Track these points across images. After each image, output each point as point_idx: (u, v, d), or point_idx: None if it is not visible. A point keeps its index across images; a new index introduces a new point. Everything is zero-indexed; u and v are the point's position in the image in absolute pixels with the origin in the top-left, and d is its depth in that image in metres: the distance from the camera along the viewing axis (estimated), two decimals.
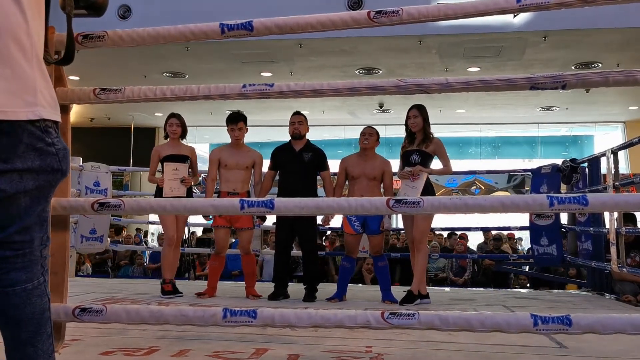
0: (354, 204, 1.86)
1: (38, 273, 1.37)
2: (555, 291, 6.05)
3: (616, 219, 4.50)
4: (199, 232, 10.88)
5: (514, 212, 1.91)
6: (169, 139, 4.70)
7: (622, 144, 4.69)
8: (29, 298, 1.33)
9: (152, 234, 13.03)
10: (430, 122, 4.28)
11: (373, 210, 1.82)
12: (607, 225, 4.65)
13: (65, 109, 1.89)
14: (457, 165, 4.73)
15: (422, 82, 1.84)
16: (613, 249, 4.45)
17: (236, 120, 4.57)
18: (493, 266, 7.48)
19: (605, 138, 14.00)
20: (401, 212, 1.91)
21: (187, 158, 4.63)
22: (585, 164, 5.39)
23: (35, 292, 1.35)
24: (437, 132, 4.49)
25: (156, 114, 13.07)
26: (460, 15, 1.83)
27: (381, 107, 12.04)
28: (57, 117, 1.38)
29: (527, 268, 7.62)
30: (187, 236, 8.13)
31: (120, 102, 1.98)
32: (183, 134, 4.72)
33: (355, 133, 4.56)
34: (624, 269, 4.38)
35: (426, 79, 1.87)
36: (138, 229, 11.77)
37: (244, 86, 1.95)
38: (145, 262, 9.23)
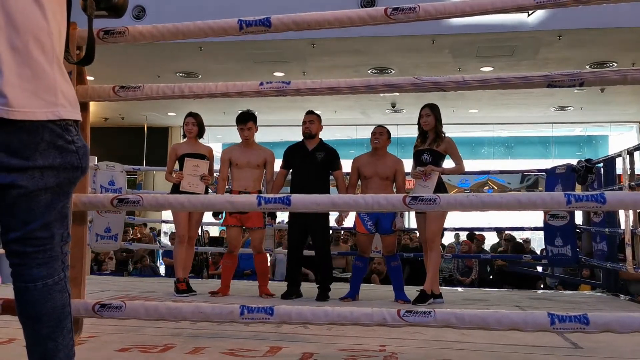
0: (370, 201, 1.86)
1: (59, 269, 1.39)
2: (569, 292, 6.02)
3: (632, 220, 4.46)
4: (213, 231, 10.94)
5: (531, 209, 1.90)
6: (186, 138, 4.73)
7: (638, 145, 4.65)
8: (49, 293, 1.35)
9: (165, 233, 13.11)
10: (443, 121, 4.27)
11: (390, 207, 1.81)
12: (622, 226, 4.61)
13: (84, 107, 1.92)
14: (469, 165, 4.71)
15: (438, 80, 1.84)
16: (628, 250, 4.41)
17: (245, 120, 4.59)
18: (506, 267, 7.45)
19: (619, 138, 13.86)
20: (417, 209, 1.91)
21: (204, 157, 4.66)
22: (601, 165, 5.35)
23: (56, 287, 1.37)
24: (450, 132, 4.48)
25: (169, 114, 13.14)
26: (478, 12, 1.82)
27: (394, 107, 12.02)
28: (77, 115, 1.40)
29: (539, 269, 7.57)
30: (200, 235, 8.19)
31: (139, 99, 2.01)
32: (200, 133, 4.73)
33: (367, 133, 4.57)
34: (639, 270, 4.34)
35: (442, 77, 1.87)
36: (152, 228, 11.85)
37: (261, 84, 1.97)
38: (156, 262, 9.29)
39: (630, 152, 4.55)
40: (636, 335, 1.94)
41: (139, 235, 10.44)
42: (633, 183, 4.48)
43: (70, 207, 1.46)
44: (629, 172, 4.49)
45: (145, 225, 11.07)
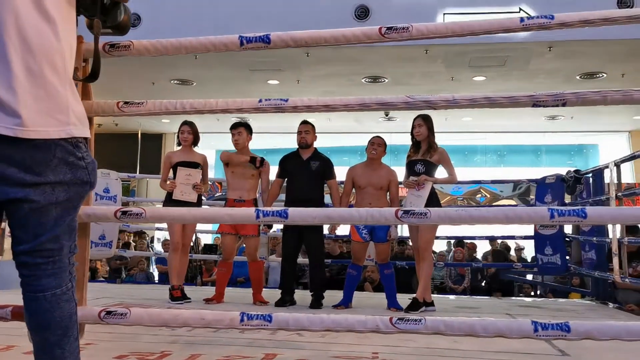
0: (364, 214, 1.95)
1: (66, 279, 1.45)
2: (560, 300, 6.10)
3: (619, 230, 4.55)
4: (206, 238, 10.95)
5: (516, 223, 2.00)
6: (181, 146, 4.78)
7: (624, 157, 4.75)
8: (58, 303, 1.41)
9: (158, 239, 13.11)
10: (436, 130, 4.35)
11: (382, 220, 1.89)
12: (610, 236, 4.70)
13: (89, 122, 1.97)
14: (462, 173, 4.80)
15: (429, 99, 1.93)
16: (615, 260, 4.50)
17: (236, 126, 4.69)
18: (492, 274, 7.59)
19: (610, 147, 14.00)
20: (409, 223, 1.99)
21: (198, 165, 4.71)
22: (590, 175, 5.45)
23: (64, 297, 1.43)
24: (443, 140, 4.56)
25: (163, 121, 13.16)
26: (467, 33, 1.91)
27: (387, 115, 12.12)
28: (87, 133, 1.47)
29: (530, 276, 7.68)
30: (194, 242, 8.21)
31: (143, 115, 2.08)
32: (195, 142, 4.79)
33: (360, 140, 4.65)
34: (626, 280, 4.43)
35: (433, 95, 1.95)
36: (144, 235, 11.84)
37: (260, 101, 2.05)
38: (150, 269, 9.32)
39: (617, 164, 4.65)
40: (623, 344, 2.02)
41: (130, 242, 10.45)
42: (620, 194, 4.58)
43: (77, 220, 1.51)
44: (615, 183, 4.60)
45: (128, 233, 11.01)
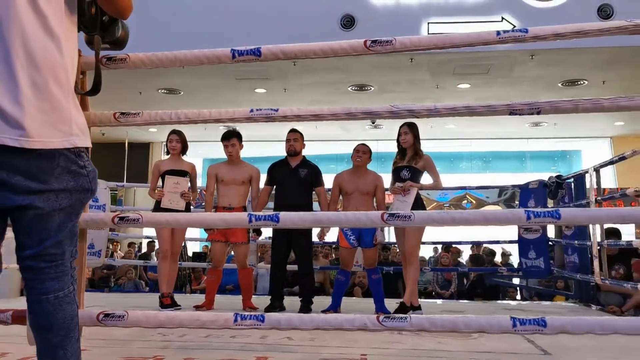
0: (351, 218, 2.05)
1: (68, 282, 1.52)
2: (544, 303, 6.22)
3: (599, 233, 4.67)
4: (194, 247, 10.97)
5: (495, 225, 2.12)
6: (169, 155, 4.84)
7: (603, 162, 4.88)
8: (60, 305, 1.48)
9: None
10: (422, 137, 4.45)
11: (369, 223, 1.98)
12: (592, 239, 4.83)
13: None
14: (448, 179, 4.90)
15: (412, 108, 2.03)
16: (596, 262, 4.62)
17: (228, 137, 4.75)
18: (475, 278, 7.71)
19: (593, 153, 14.23)
20: (395, 225, 2.08)
21: (186, 174, 4.77)
22: (571, 180, 5.59)
23: (66, 299, 1.49)
24: (428, 147, 4.65)
25: (150, 130, 13.16)
26: (448, 46, 2.02)
27: (373, 123, 12.24)
28: (88, 143, 1.55)
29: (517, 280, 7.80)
30: (183, 250, 8.24)
31: (139, 125, 2.15)
32: (183, 150, 4.85)
33: (347, 148, 4.74)
34: (607, 281, 4.54)
35: (416, 105, 2.06)
36: (131, 243, 11.84)
37: (252, 111, 2.14)
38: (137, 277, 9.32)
39: (597, 169, 4.78)
40: (604, 343, 2.12)
41: (118, 251, 10.46)
42: (599, 198, 4.71)
43: (78, 226, 1.58)
44: (595, 188, 4.73)
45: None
